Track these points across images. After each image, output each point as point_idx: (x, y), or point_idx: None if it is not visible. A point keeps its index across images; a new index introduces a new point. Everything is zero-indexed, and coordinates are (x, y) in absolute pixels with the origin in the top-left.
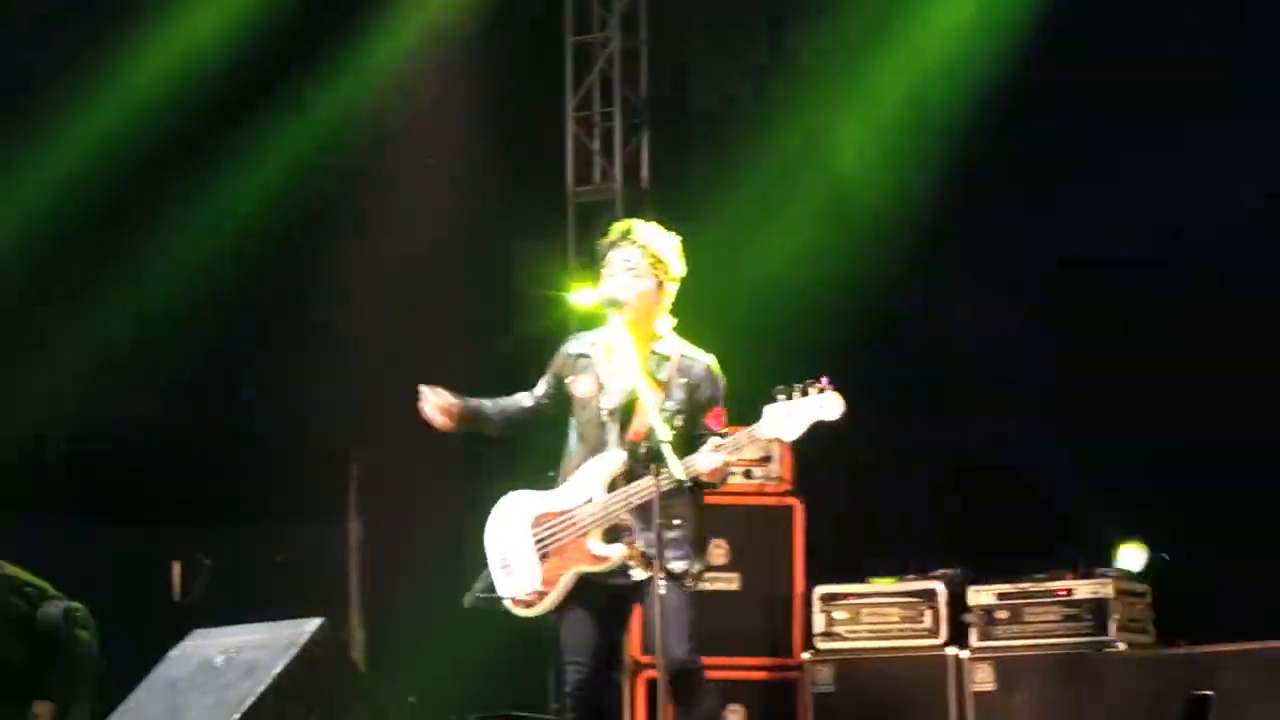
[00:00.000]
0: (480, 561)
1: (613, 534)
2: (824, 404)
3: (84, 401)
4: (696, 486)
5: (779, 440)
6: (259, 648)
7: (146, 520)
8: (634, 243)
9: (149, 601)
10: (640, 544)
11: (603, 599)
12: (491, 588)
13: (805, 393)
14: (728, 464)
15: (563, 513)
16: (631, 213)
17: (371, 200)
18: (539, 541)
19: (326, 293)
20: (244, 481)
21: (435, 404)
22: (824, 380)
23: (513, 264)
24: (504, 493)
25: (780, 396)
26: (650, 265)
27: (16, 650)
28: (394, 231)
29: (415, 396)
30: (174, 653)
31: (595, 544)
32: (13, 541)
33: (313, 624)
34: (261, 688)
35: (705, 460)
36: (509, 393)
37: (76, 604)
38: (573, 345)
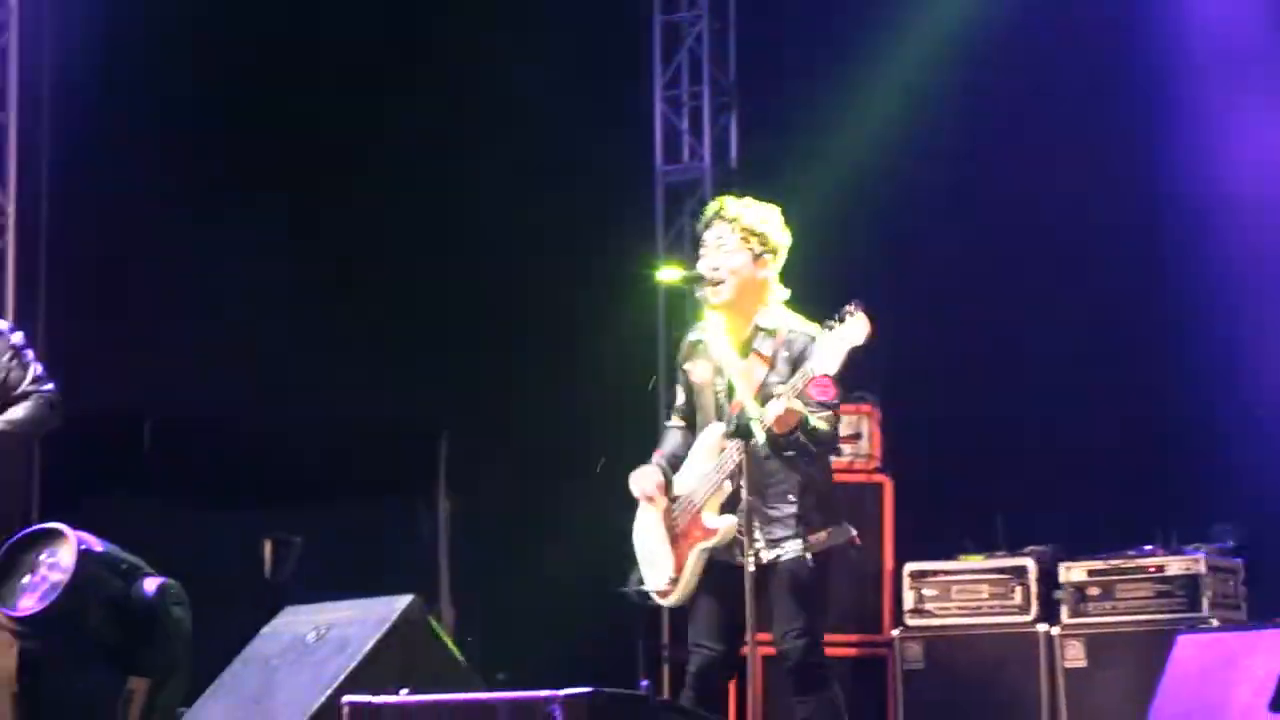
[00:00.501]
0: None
1: (728, 506)
2: (851, 328)
3: (175, 382)
4: (803, 454)
5: (828, 375)
6: (350, 624)
7: (238, 499)
8: (724, 219)
9: (241, 579)
10: (753, 518)
11: (727, 579)
12: (643, 581)
13: (843, 321)
14: (793, 411)
15: (684, 495)
16: (720, 192)
17: (456, 175)
18: (669, 528)
19: (416, 269)
20: (335, 460)
21: (646, 492)
22: (853, 305)
23: (601, 242)
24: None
25: (824, 330)
26: (742, 240)
27: (112, 627)
28: (480, 207)
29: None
30: (266, 629)
31: (709, 516)
32: (108, 521)
33: (404, 601)
34: (353, 664)
35: (769, 410)
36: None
37: (171, 580)
38: (690, 334)
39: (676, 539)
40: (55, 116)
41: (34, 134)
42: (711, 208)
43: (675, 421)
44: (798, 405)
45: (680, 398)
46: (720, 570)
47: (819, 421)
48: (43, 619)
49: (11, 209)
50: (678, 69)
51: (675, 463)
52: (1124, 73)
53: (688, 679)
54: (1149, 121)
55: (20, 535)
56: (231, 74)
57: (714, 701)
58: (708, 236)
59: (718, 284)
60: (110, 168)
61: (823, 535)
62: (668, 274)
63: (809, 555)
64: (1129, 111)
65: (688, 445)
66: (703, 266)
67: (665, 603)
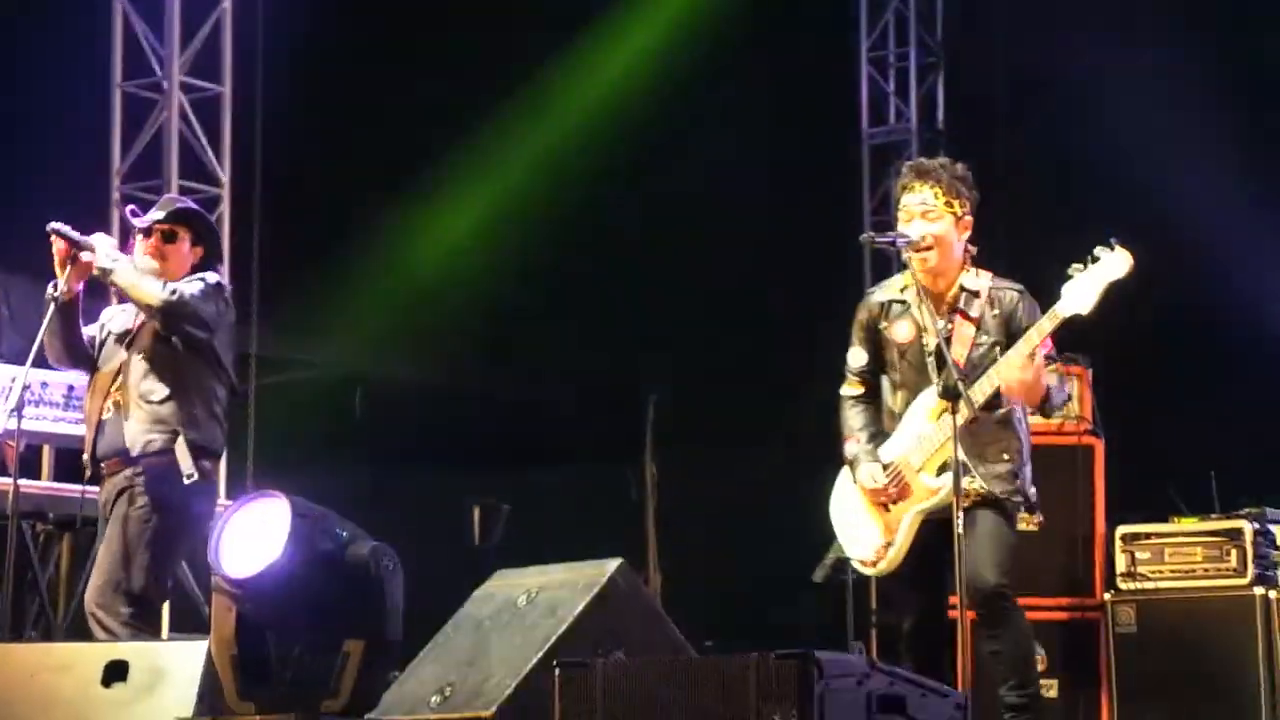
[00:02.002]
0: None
1: (945, 467)
2: (1111, 262)
3: (383, 352)
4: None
5: (1079, 315)
6: (560, 587)
7: (448, 464)
8: (926, 184)
9: (451, 543)
10: (975, 481)
11: (935, 537)
12: (839, 557)
13: (1096, 260)
14: (1032, 360)
15: (897, 459)
16: (927, 154)
17: (669, 142)
18: (878, 495)
19: (620, 234)
20: (544, 424)
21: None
22: (1113, 240)
23: (806, 204)
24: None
25: (1074, 272)
26: (945, 205)
27: (327, 590)
28: (688, 172)
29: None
30: (478, 592)
31: (928, 477)
32: (322, 485)
33: (613, 565)
34: (563, 627)
35: (1007, 361)
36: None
37: (383, 544)
38: (878, 295)
39: (887, 505)
40: (268, 87)
41: (249, 105)
42: (908, 170)
43: (855, 390)
44: (1035, 350)
45: (862, 360)
46: (930, 528)
47: (1051, 375)
48: (260, 583)
49: (226, 179)
50: (884, 29)
51: (873, 440)
52: None
53: (903, 640)
54: None
55: (237, 501)
56: (453, 46)
57: (934, 662)
58: (909, 200)
59: (925, 249)
60: (321, 137)
61: (1032, 491)
62: (874, 236)
63: (1014, 499)
64: None
65: (878, 420)
66: (907, 231)
67: (872, 572)
